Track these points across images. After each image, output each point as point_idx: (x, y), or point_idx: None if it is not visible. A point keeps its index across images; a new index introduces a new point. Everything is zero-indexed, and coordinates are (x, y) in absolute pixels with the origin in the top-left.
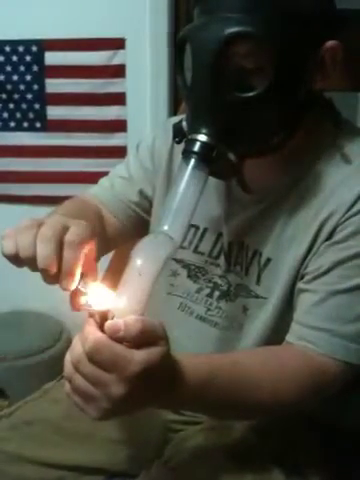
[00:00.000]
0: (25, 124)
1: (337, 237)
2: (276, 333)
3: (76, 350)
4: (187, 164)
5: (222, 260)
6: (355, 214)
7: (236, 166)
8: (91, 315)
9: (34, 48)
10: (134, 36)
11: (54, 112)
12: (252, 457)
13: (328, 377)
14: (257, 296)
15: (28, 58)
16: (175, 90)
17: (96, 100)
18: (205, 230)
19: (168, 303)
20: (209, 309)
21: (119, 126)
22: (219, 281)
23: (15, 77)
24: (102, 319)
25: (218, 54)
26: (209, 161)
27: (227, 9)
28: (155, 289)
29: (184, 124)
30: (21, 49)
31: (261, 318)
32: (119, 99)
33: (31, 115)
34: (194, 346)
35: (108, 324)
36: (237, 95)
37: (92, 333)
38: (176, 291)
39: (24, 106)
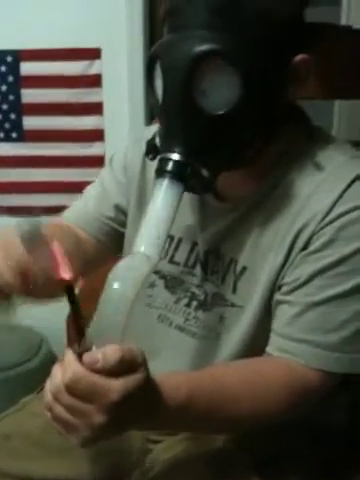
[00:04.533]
0: (1, 134)
1: (313, 247)
2: (254, 342)
3: (55, 380)
4: (161, 183)
5: (198, 269)
6: (329, 223)
7: (210, 181)
8: (70, 344)
9: (9, 58)
10: (110, 46)
11: (30, 122)
12: (233, 467)
13: (311, 387)
14: (233, 305)
15: (3, 68)
16: None
17: (73, 110)
18: (180, 240)
19: (147, 315)
20: (187, 319)
21: (96, 135)
22: (196, 291)
23: None
24: (82, 348)
25: (188, 72)
26: (183, 179)
27: (195, 26)
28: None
29: (157, 140)
30: None
31: (238, 327)
32: (96, 109)
33: (7, 125)
34: (173, 357)
35: (86, 357)
36: (208, 113)
37: (70, 364)
38: (154, 302)
39: (0, 116)
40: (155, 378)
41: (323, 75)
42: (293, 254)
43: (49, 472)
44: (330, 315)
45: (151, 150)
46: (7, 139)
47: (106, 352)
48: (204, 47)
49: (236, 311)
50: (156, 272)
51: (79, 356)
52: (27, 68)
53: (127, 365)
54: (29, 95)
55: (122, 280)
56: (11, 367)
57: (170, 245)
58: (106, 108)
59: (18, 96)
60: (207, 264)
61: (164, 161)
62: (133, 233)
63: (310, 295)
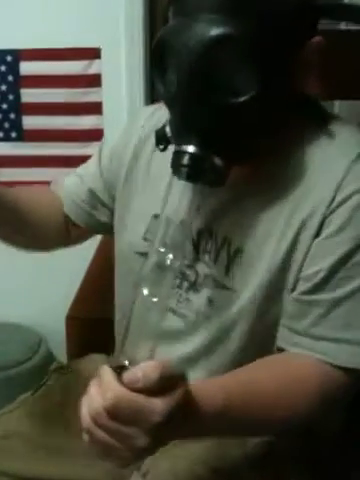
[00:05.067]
0: (0, 134)
1: (327, 231)
2: (253, 330)
3: (95, 404)
4: (179, 177)
5: (190, 249)
6: (340, 204)
7: (224, 174)
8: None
9: (9, 58)
10: (110, 45)
11: (30, 122)
12: (233, 469)
13: (342, 386)
14: (224, 287)
15: (3, 68)
16: (151, 98)
17: (72, 109)
18: (170, 220)
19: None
20: (179, 301)
21: (96, 135)
22: (187, 271)
23: None
24: (116, 364)
25: (205, 58)
26: (201, 172)
27: (208, 10)
28: (128, 285)
29: (167, 130)
30: None
31: (229, 311)
32: (95, 108)
33: (6, 125)
34: (168, 342)
35: (126, 376)
36: (225, 101)
37: (111, 386)
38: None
39: None
40: (191, 389)
41: (323, 76)
42: (302, 240)
43: (47, 473)
44: (357, 310)
45: (161, 140)
46: (6, 139)
47: (146, 370)
48: (222, 30)
49: (227, 294)
50: (143, 254)
51: (116, 373)
52: (27, 68)
53: (167, 381)
54: (28, 95)
55: (158, 293)
56: (10, 366)
57: (160, 225)
58: (105, 108)
59: (17, 96)
60: (199, 243)
61: (180, 154)
62: (122, 211)
63: (334, 291)
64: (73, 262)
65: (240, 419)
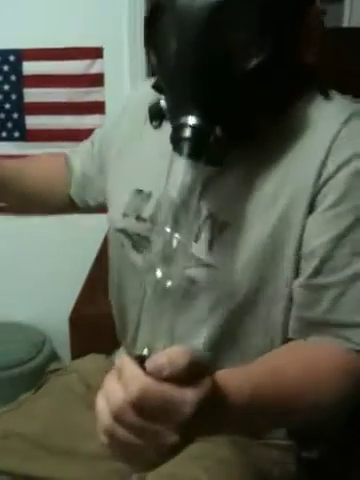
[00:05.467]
0: (3, 134)
1: (322, 206)
2: (242, 308)
3: (116, 399)
4: (180, 153)
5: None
6: (336, 172)
7: (225, 151)
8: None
9: (12, 58)
10: (112, 45)
11: (33, 121)
12: (229, 472)
13: None
14: (207, 265)
15: (6, 68)
16: None
17: (75, 109)
18: (149, 194)
19: (127, 277)
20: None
21: None
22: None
23: None
24: (137, 357)
25: (210, 23)
26: (205, 147)
27: None
28: (113, 263)
29: (163, 104)
30: None
31: (215, 289)
32: (98, 108)
33: (9, 124)
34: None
35: (150, 364)
36: (233, 68)
37: (135, 377)
38: (127, 262)
39: (2, 115)
40: (216, 380)
41: (325, 73)
42: (297, 212)
43: (48, 474)
44: None
45: (156, 116)
46: (9, 138)
47: (172, 356)
48: None
49: (210, 272)
50: (122, 231)
51: (138, 363)
52: (29, 67)
53: (195, 368)
54: (31, 94)
55: (172, 277)
56: (14, 365)
57: (139, 200)
58: (108, 107)
59: (20, 95)
60: (177, 219)
61: (181, 128)
62: (112, 189)
63: (343, 270)
64: (77, 261)
65: (269, 408)
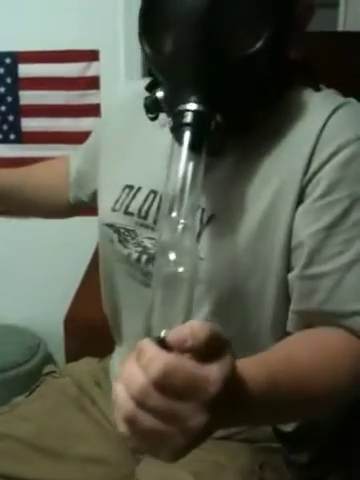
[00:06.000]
0: None
1: (312, 197)
2: (231, 298)
3: (137, 381)
4: (182, 139)
5: (151, 219)
6: (323, 165)
7: (224, 140)
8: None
9: (7, 60)
10: (108, 48)
11: (28, 124)
12: (219, 475)
13: None
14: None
15: (1, 70)
16: None
17: (71, 111)
18: (139, 189)
19: (116, 271)
20: (145, 274)
21: None
22: (148, 244)
23: None
24: (155, 339)
25: (209, 10)
26: (206, 133)
27: None
28: (103, 258)
29: (160, 95)
30: None
31: (201, 281)
32: (94, 110)
33: (5, 127)
34: (140, 313)
35: (173, 335)
36: (233, 55)
37: (156, 355)
38: (116, 258)
39: None
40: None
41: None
42: (285, 202)
43: (41, 475)
44: None
45: (152, 108)
46: (5, 140)
47: (193, 327)
48: None
49: (199, 263)
50: (111, 226)
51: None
52: (25, 70)
53: (216, 343)
54: (27, 97)
55: (184, 264)
56: (9, 368)
57: (128, 195)
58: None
59: (16, 98)
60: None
61: (181, 113)
62: (103, 185)
63: (337, 257)
64: (72, 264)
65: (285, 398)
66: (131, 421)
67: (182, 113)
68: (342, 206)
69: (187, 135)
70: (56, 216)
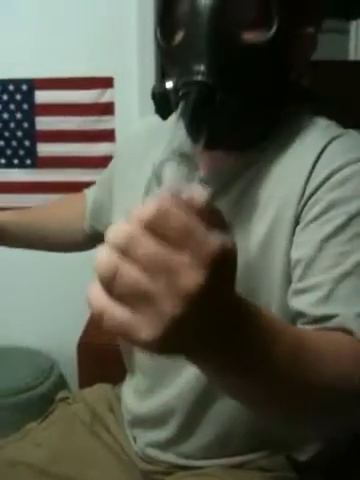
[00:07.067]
0: (15, 161)
1: (308, 217)
2: None
3: (122, 229)
4: (185, 110)
5: None
6: (319, 186)
7: (233, 121)
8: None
9: (24, 87)
10: (122, 75)
11: (44, 149)
12: None
13: None
14: None
15: (18, 97)
16: None
17: (85, 137)
18: None
19: None
20: None
21: (108, 162)
22: None
23: (5, 115)
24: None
25: (222, 5)
26: (210, 105)
27: None
28: None
29: (168, 85)
30: (11, 88)
31: None
32: (108, 136)
33: (21, 152)
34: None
35: (165, 188)
36: (242, 42)
37: (149, 204)
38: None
39: (14, 143)
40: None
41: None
42: (281, 232)
43: None
44: None
45: (162, 101)
46: (21, 165)
47: (194, 190)
48: None
49: None
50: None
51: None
52: (41, 96)
53: (215, 217)
54: (43, 123)
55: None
56: (22, 391)
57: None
58: (118, 135)
59: (32, 123)
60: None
61: (186, 85)
62: (113, 219)
63: (332, 268)
64: (86, 286)
65: (287, 362)
66: (110, 278)
67: (187, 84)
68: (338, 221)
69: (190, 104)
70: (77, 249)
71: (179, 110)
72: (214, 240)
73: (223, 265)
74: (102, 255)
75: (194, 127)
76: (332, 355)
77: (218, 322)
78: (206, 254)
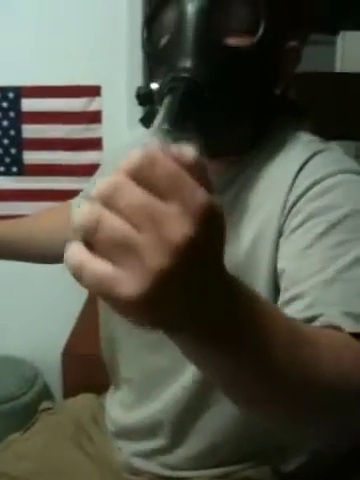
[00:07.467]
0: (1, 168)
1: (290, 228)
2: None
3: (106, 180)
4: (172, 100)
5: None
6: (300, 197)
7: (221, 121)
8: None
9: (11, 95)
10: (110, 83)
11: (30, 156)
12: None
13: None
14: None
15: (5, 104)
16: None
17: (72, 145)
18: None
19: (115, 316)
20: None
21: (95, 170)
22: None
23: None
24: None
25: (209, 8)
26: (198, 102)
27: None
28: (102, 302)
29: (153, 86)
30: None
31: None
32: (95, 144)
33: (7, 160)
34: (138, 357)
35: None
36: (229, 44)
37: (135, 153)
38: None
39: (0, 151)
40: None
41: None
42: (265, 243)
43: None
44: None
45: (143, 97)
46: (8, 173)
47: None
48: None
49: None
50: None
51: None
52: (28, 104)
53: (203, 176)
54: (30, 130)
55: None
56: (6, 401)
57: None
58: (105, 143)
59: (19, 131)
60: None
61: (172, 80)
62: None
63: (317, 274)
64: (71, 296)
65: (282, 346)
66: (92, 230)
67: (175, 79)
68: (320, 228)
69: (179, 91)
70: (63, 260)
71: (164, 103)
72: (203, 193)
73: (212, 221)
74: (83, 207)
75: (182, 120)
76: (327, 342)
77: (206, 288)
78: (195, 205)
